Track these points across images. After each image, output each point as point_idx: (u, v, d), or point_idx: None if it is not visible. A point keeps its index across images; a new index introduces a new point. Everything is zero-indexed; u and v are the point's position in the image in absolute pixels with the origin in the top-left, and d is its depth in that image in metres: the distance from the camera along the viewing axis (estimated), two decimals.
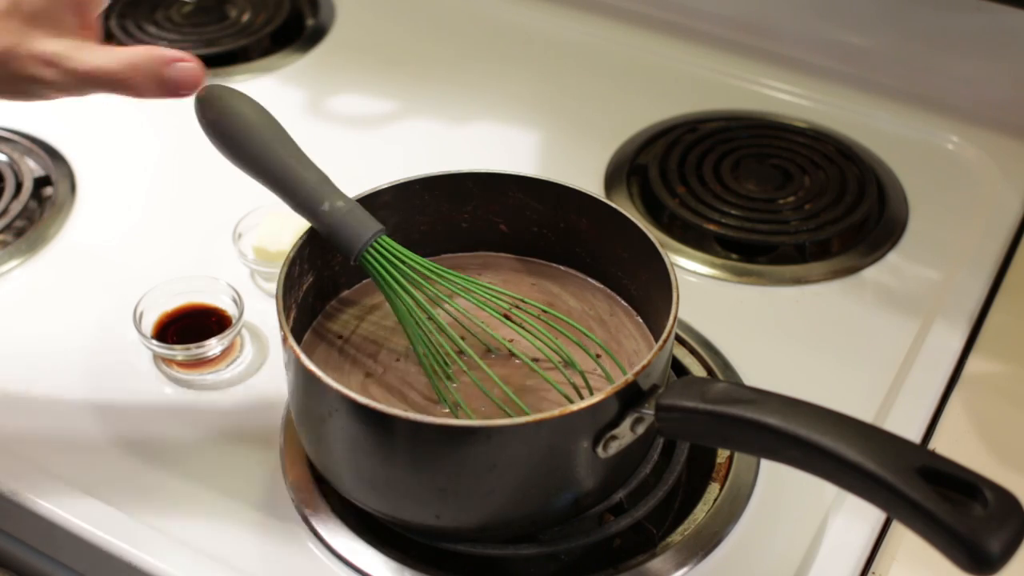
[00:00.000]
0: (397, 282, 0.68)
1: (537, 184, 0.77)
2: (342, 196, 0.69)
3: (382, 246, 0.68)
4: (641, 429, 0.64)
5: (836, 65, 1.17)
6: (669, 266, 0.69)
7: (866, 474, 0.54)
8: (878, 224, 0.99)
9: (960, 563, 0.51)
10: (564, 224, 0.78)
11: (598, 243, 0.77)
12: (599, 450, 0.63)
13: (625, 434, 0.63)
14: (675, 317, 0.66)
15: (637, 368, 0.62)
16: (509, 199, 0.78)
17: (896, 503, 0.53)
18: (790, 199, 1.01)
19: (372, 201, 0.75)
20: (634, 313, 0.77)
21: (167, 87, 0.66)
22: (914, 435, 0.79)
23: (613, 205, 0.75)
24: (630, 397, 0.63)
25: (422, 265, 0.69)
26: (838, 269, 0.95)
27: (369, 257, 0.68)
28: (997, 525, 0.51)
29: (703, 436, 0.64)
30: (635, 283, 0.76)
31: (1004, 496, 0.52)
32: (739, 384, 0.63)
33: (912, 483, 0.52)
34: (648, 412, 0.62)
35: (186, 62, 0.66)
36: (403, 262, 0.68)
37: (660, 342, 0.65)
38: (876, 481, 0.53)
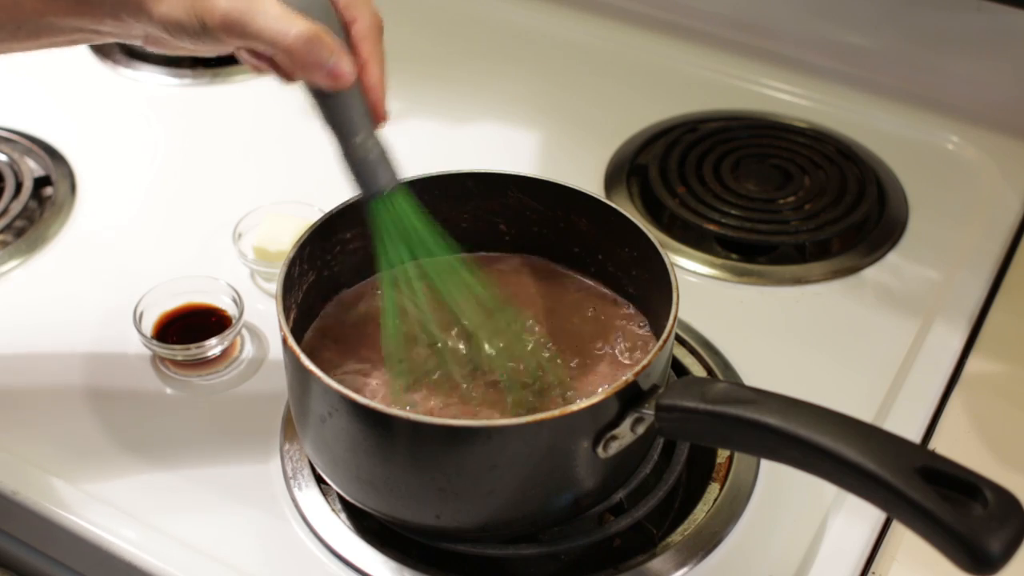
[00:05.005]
0: (391, 240, 0.68)
1: (537, 184, 0.77)
2: (375, 135, 0.68)
3: (396, 200, 0.68)
4: (641, 429, 0.64)
5: (836, 65, 1.17)
6: (669, 266, 0.69)
7: (866, 474, 0.54)
8: (878, 224, 0.99)
9: (960, 563, 0.51)
10: (564, 224, 0.78)
11: (598, 243, 0.77)
12: (599, 450, 0.63)
13: (625, 434, 0.63)
14: (675, 317, 0.66)
15: (637, 368, 0.62)
16: (509, 199, 0.78)
17: (896, 503, 0.53)
18: (790, 199, 1.01)
19: None
20: (634, 312, 0.77)
21: (323, 75, 0.64)
22: (914, 435, 0.79)
23: (613, 205, 0.75)
24: (630, 397, 0.63)
25: (424, 231, 0.69)
26: (838, 269, 0.95)
27: (379, 207, 0.68)
28: (997, 525, 0.51)
29: (703, 436, 0.64)
30: (635, 283, 0.76)
31: (1004, 496, 0.52)
32: (739, 384, 0.63)
33: (912, 483, 0.52)
34: (648, 412, 0.62)
35: (344, 57, 0.65)
36: (407, 222, 0.68)
37: (660, 342, 0.65)
38: (876, 481, 0.53)
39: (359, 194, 0.68)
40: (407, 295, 0.70)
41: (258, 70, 0.70)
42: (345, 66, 0.64)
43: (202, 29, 0.63)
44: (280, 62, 0.66)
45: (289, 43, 0.63)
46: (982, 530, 0.50)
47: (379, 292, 0.70)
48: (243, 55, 0.68)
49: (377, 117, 0.68)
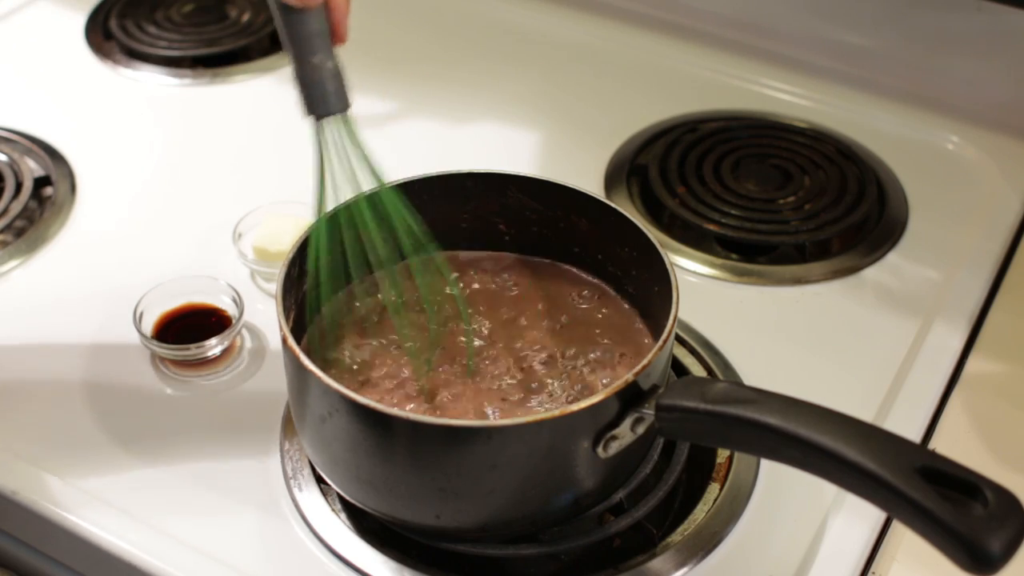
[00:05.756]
0: (329, 164, 0.69)
1: (537, 184, 0.77)
2: (333, 57, 0.68)
3: (342, 125, 0.68)
4: (641, 429, 0.64)
5: (836, 65, 1.17)
6: (669, 266, 0.69)
7: (866, 474, 0.54)
8: (878, 224, 0.99)
9: (960, 563, 0.51)
10: (564, 224, 0.78)
11: (598, 243, 0.77)
12: (599, 450, 0.63)
13: (625, 434, 0.63)
14: (675, 317, 0.66)
15: (637, 368, 0.62)
16: (509, 199, 0.78)
17: (896, 503, 0.53)
18: (790, 199, 1.01)
19: None
20: (634, 313, 0.77)
21: None
22: (914, 435, 0.79)
23: (613, 205, 0.75)
24: (630, 397, 0.63)
25: (364, 157, 0.69)
26: (838, 269, 0.95)
27: (323, 125, 0.68)
28: (997, 525, 0.51)
29: (703, 436, 0.64)
30: (635, 283, 0.76)
31: (1004, 496, 0.52)
32: (739, 384, 0.63)
33: (912, 483, 0.52)
34: (648, 412, 0.62)
35: None
36: (350, 148, 0.69)
37: (660, 342, 0.65)
38: (876, 481, 0.53)
39: (305, 113, 0.68)
40: (343, 218, 0.71)
41: None
42: None
43: None
44: None
45: None
46: (982, 530, 0.50)
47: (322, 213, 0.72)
48: None
49: (337, 37, 0.68)
